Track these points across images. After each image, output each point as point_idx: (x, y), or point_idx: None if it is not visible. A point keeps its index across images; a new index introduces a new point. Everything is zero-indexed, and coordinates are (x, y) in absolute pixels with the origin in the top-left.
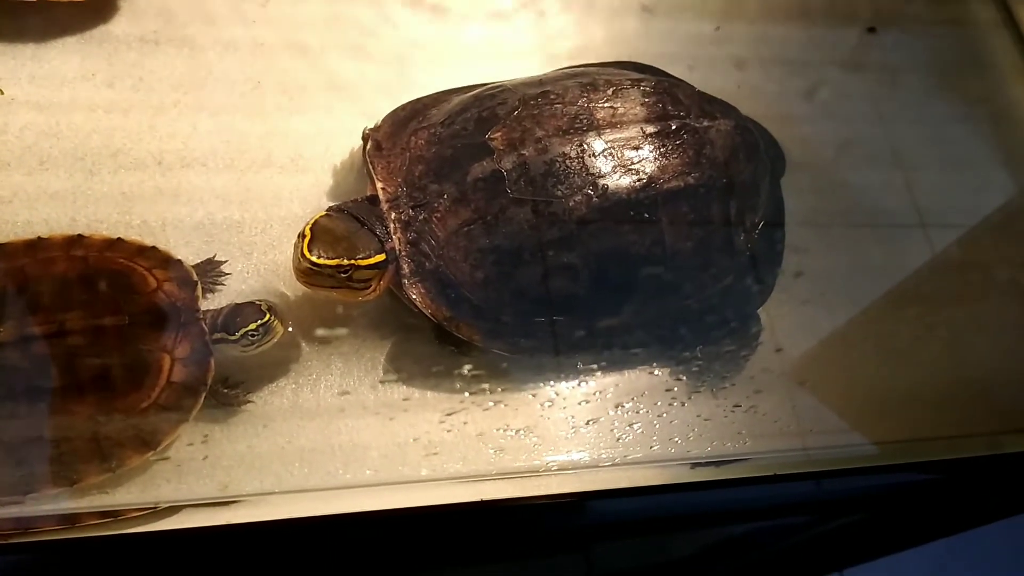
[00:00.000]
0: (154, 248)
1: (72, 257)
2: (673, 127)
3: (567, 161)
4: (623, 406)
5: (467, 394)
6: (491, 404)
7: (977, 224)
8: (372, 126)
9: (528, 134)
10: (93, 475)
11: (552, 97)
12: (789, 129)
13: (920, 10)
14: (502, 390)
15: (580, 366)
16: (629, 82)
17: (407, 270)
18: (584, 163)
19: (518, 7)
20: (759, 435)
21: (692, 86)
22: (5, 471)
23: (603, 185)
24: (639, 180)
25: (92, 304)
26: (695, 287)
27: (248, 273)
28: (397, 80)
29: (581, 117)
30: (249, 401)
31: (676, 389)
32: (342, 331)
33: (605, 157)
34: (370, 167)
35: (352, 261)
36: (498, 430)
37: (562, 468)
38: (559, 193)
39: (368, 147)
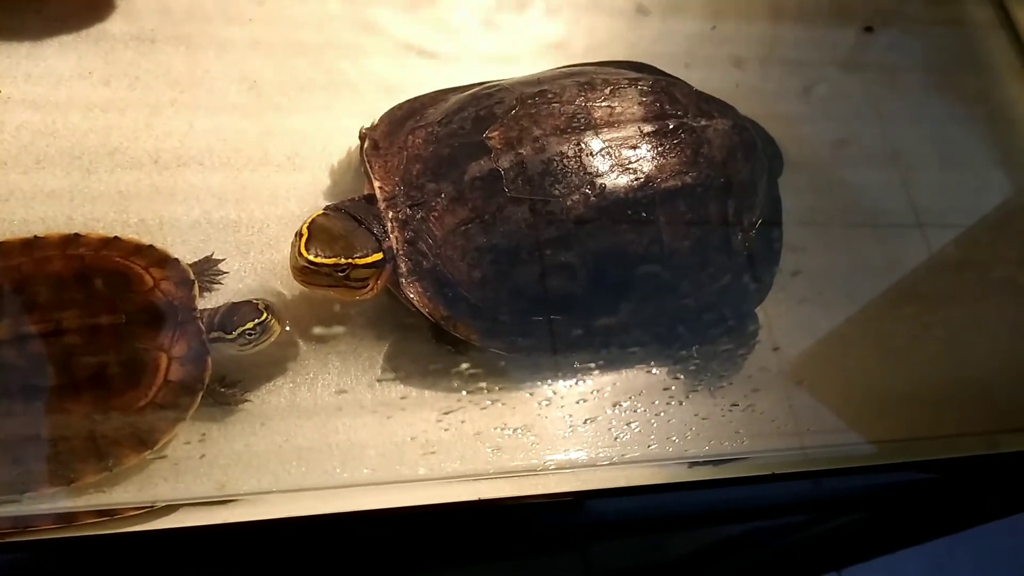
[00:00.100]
0: (151, 247)
1: (69, 256)
2: (671, 126)
3: (564, 160)
4: (621, 405)
5: (464, 393)
6: (489, 403)
7: (974, 223)
8: (369, 125)
9: (526, 133)
10: (90, 474)
11: (550, 96)
12: (787, 128)
13: (917, 10)
14: (500, 389)
15: (578, 365)
16: (627, 81)
17: (404, 269)
18: (582, 162)
19: (517, 6)
20: (757, 434)
21: (689, 85)
22: (2, 470)
23: (601, 184)
24: (637, 179)
25: (89, 303)
26: (693, 286)
27: (245, 272)
28: (394, 79)
29: (579, 116)
30: (246, 400)
31: (674, 388)
32: (339, 330)
33: (603, 156)
34: (367, 166)
35: (349, 260)
36: (496, 429)
37: (560, 467)
38: (557, 192)
39: (365, 146)
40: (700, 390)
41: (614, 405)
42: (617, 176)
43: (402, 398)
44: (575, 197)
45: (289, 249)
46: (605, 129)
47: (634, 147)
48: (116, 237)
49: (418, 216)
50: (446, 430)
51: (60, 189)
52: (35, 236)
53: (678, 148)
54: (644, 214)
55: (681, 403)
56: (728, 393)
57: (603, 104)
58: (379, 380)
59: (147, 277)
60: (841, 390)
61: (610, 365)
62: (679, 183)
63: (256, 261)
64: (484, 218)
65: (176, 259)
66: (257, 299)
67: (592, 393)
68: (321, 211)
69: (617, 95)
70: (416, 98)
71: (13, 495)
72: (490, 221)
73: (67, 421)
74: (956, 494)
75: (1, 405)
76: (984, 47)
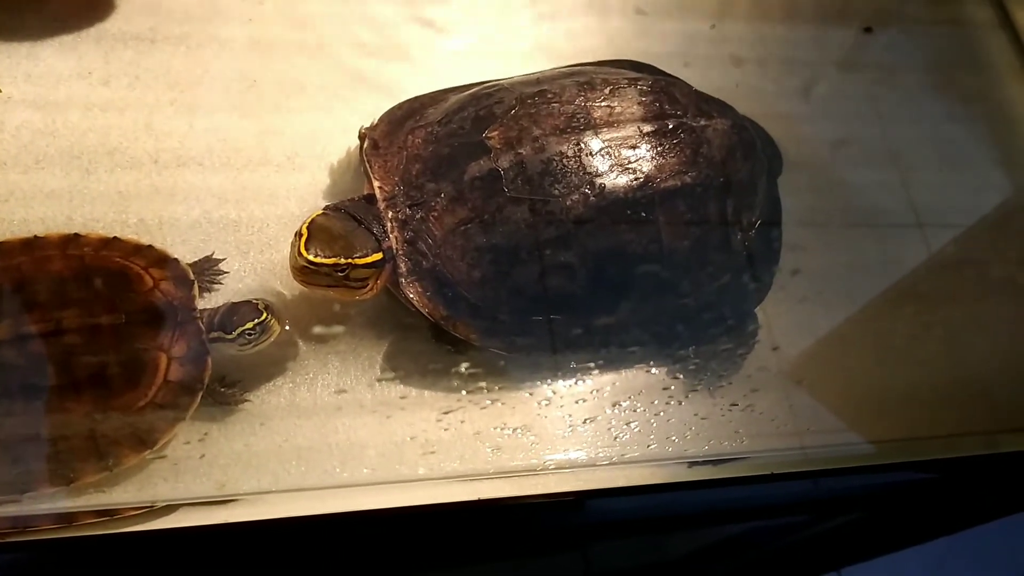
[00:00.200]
0: (150, 247)
1: (68, 256)
2: (670, 126)
3: (564, 160)
4: (620, 405)
5: (464, 392)
6: (488, 403)
7: (974, 223)
8: (369, 124)
9: (525, 133)
10: (90, 474)
11: (549, 96)
12: (786, 128)
13: (917, 10)
14: (499, 388)
15: (577, 364)
16: (626, 81)
17: (404, 269)
18: (581, 162)
19: (517, 6)
20: (756, 434)
21: (689, 85)
22: (2, 469)
23: (600, 184)
24: (636, 179)
25: (88, 303)
26: (692, 285)
27: (245, 272)
28: (394, 78)
29: (578, 116)
30: (246, 400)
31: (673, 388)
32: (339, 330)
33: (602, 156)
34: (367, 166)
35: (349, 260)
36: (495, 429)
37: (559, 467)
38: (556, 192)
39: (365, 146)
40: (699, 390)
41: (613, 405)
42: (616, 176)
43: (402, 398)
44: (575, 197)
45: (289, 249)
46: (605, 129)
47: (633, 147)
48: (116, 237)
49: (418, 216)
50: (446, 430)
51: (60, 189)
52: (35, 236)
53: (677, 148)
54: (643, 214)
55: (680, 403)
56: (727, 393)
57: (603, 104)
58: (379, 380)
59: (147, 277)
60: (841, 390)
61: (609, 365)
62: (678, 183)
63: (256, 261)
64: (484, 218)
65: (176, 259)
66: (257, 299)
67: (591, 393)
68: (321, 211)
69: (617, 95)
70: (416, 98)
71: (13, 495)
72: (490, 221)
73: (67, 421)
74: (956, 494)
75: (1, 405)
76: (984, 47)
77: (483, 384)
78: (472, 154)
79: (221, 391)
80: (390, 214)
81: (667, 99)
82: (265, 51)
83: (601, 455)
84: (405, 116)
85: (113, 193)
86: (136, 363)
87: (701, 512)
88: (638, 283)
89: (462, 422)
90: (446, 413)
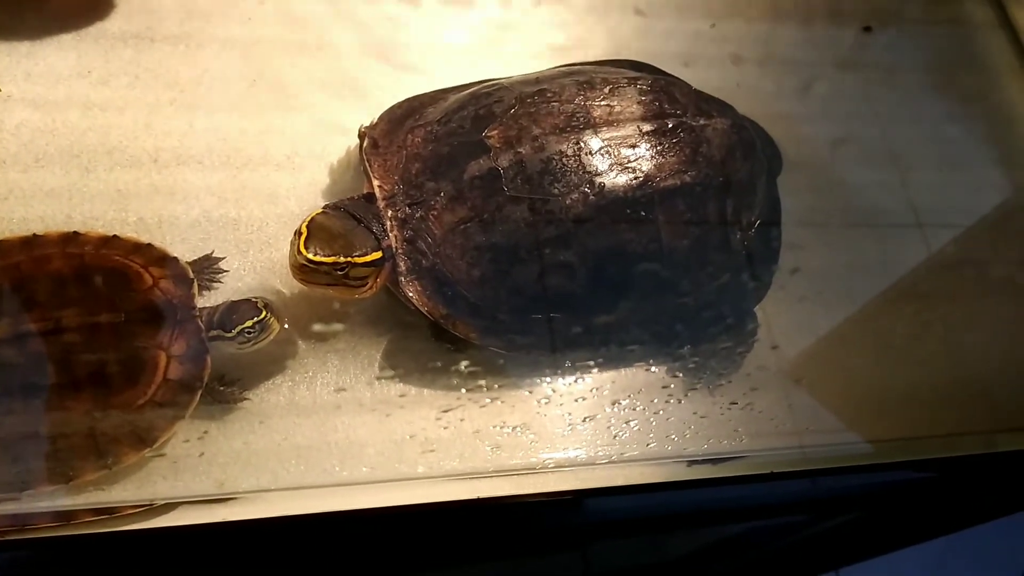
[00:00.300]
0: (150, 245)
1: (68, 254)
2: (670, 125)
3: (564, 159)
4: (620, 403)
5: (464, 391)
6: (488, 401)
7: (973, 223)
8: (369, 123)
9: (525, 132)
10: (89, 472)
11: (549, 95)
12: (785, 128)
13: (916, 10)
14: (499, 387)
15: (577, 363)
16: (626, 80)
17: (404, 268)
18: (581, 161)
19: (516, 6)
20: (755, 433)
21: (688, 84)
22: (1, 468)
23: (600, 183)
24: (636, 178)
25: (88, 301)
26: (691, 284)
27: (244, 270)
28: (394, 78)
29: (578, 115)
30: (245, 398)
31: (672, 386)
32: (338, 328)
33: (602, 155)
34: (367, 165)
35: (348, 259)
36: (495, 427)
37: (559, 465)
38: (556, 191)
39: (365, 145)
40: (699, 388)
41: (613, 403)
42: (616, 175)
43: (401, 396)
44: (574, 196)
45: (288, 247)
46: (604, 128)
47: (633, 146)
48: (115, 235)
49: (417, 215)
50: (445, 428)
51: (59, 187)
52: (34, 234)
53: (677, 147)
54: (643, 213)
55: (680, 401)
56: (727, 391)
57: (602, 103)
58: (378, 378)
59: (146, 275)
60: (840, 389)
61: (609, 363)
62: (678, 182)
63: (255, 259)
64: (483, 217)
65: (175, 257)
66: (256, 297)
67: (591, 391)
68: (320, 210)
69: (616, 94)
70: (415, 97)
71: (12, 493)
72: (489, 220)
73: (66, 419)
74: (955, 493)
75: (1, 403)
76: (983, 47)
77: (482, 382)
78: (472, 153)
79: (220, 389)
80: (390, 213)
81: (667, 98)
82: (265, 51)
83: (600, 454)
84: (405, 115)
85: (113, 192)
86: (135, 361)
87: (700, 511)
88: (638, 282)
89: (461, 420)
90: (445, 411)
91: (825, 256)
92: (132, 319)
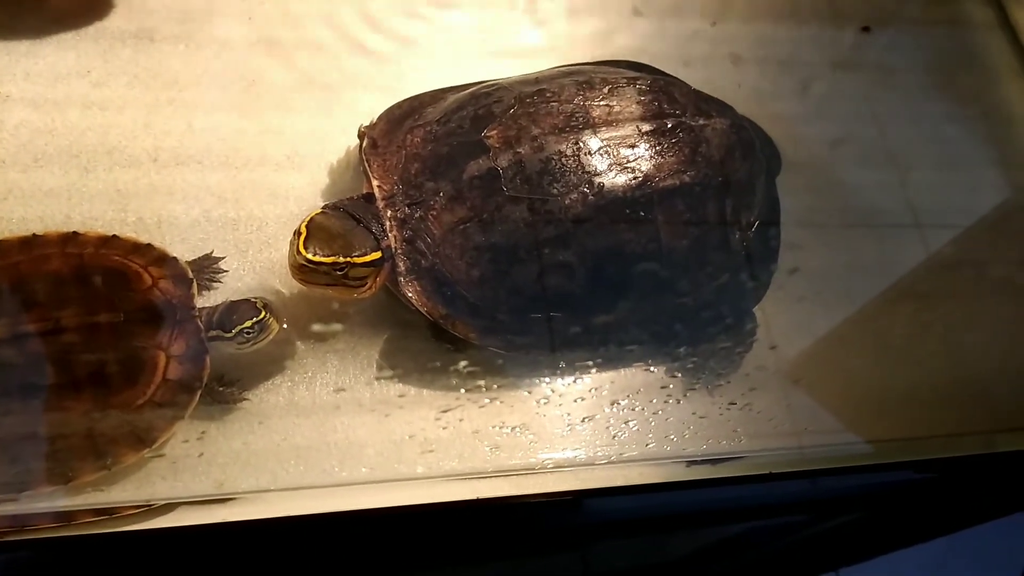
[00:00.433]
0: (149, 245)
1: (67, 254)
2: (669, 125)
3: (563, 159)
4: (619, 403)
5: (463, 391)
6: (487, 401)
7: (972, 223)
8: (368, 123)
9: (524, 132)
10: (88, 472)
11: (548, 95)
12: (784, 128)
13: (915, 10)
14: (498, 387)
15: (576, 363)
16: (625, 80)
17: (403, 268)
18: (580, 161)
19: (515, 6)
20: (754, 433)
21: (688, 84)
22: (0, 468)
23: (599, 183)
24: (635, 178)
25: (87, 301)
26: (691, 284)
27: (244, 270)
28: (393, 78)
29: (577, 115)
30: (245, 398)
31: (672, 386)
32: (338, 328)
33: (601, 155)
34: (366, 165)
35: (348, 259)
36: (494, 427)
37: (558, 466)
38: (555, 191)
39: (364, 145)
40: (698, 388)
41: (612, 403)
42: (615, 175)
43: (400, 396)
44: (573, 196)
45: (288, 248)
46: (603, 128)
47: (632, 146)
48: (114, 235)
49: (417, 215)
50: (444, 428)
51: (59, 187)
52: (33, 234)
53: (676, 147)
54: (642, 213)
55: (679, 401)
56: (726, 392)
57: (601, 103)
58: (377, 378)
59: (145, 275)
60: (839, 389)
61: (608, 363)
62: (677, 182)
63: (255, 260)
64: (483, 217)
65: (174, 257)
66: (255, 297)
67: (590, 391)
68: (320, 210)
69: (615, 94)
70: (415, 97)
71: (11, 493)
72: (488, 220)
73: (65, 419)
74: (954, 494)
75: (0, 403)
76: (982, 47)
77: (482, 382)
78: (471, 153)
79: (219, 389)
80: (389, 213)
81: (666, 98)
82: (264, 51)
83: (599, 454)
84: (404, 115)
85: (112, 191)
86: (135, 361)
87: (700, 512)
88: (637, 282)
89: (461, 420)
90: (445, 412)
91: (824, 256)
92: (131, 319)
